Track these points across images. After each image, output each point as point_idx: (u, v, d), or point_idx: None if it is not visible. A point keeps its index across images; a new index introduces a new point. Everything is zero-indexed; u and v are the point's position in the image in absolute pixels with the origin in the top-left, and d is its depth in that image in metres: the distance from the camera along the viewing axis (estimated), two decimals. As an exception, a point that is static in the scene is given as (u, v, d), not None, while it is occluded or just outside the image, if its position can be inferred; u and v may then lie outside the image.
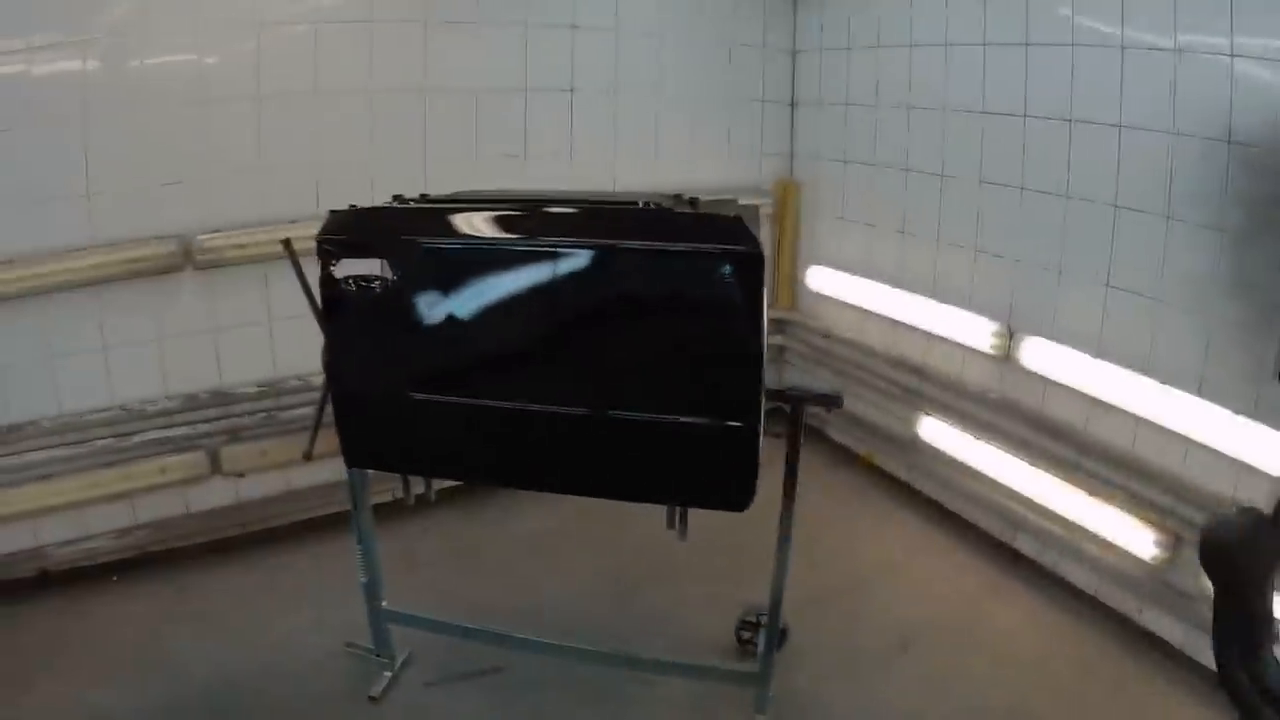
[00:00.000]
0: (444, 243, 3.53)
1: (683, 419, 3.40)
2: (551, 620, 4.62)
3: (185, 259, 5.03)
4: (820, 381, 6.57)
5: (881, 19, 5.88)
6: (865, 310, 6.35)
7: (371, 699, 4.25)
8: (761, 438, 3.39)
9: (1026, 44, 4.86)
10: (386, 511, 4.51)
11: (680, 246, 3.29)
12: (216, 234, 5.07)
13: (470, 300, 3.53)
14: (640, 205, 3.49)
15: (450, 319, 3.53)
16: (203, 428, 5.26)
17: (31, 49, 4.57)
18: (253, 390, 5.35)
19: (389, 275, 3.48)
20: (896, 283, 6.03)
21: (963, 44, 5.25)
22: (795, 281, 6.98)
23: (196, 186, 5.01)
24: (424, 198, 3.86)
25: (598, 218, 3.53)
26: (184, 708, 4.21)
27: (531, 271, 3.47)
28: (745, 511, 3.49)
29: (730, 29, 6.41)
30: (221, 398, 5.28)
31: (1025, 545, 5.26)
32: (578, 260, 3.40)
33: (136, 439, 5.08)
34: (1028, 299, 5.10)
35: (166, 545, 5.29)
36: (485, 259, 3.52)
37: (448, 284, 3.52)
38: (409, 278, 3.50)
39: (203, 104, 4.96)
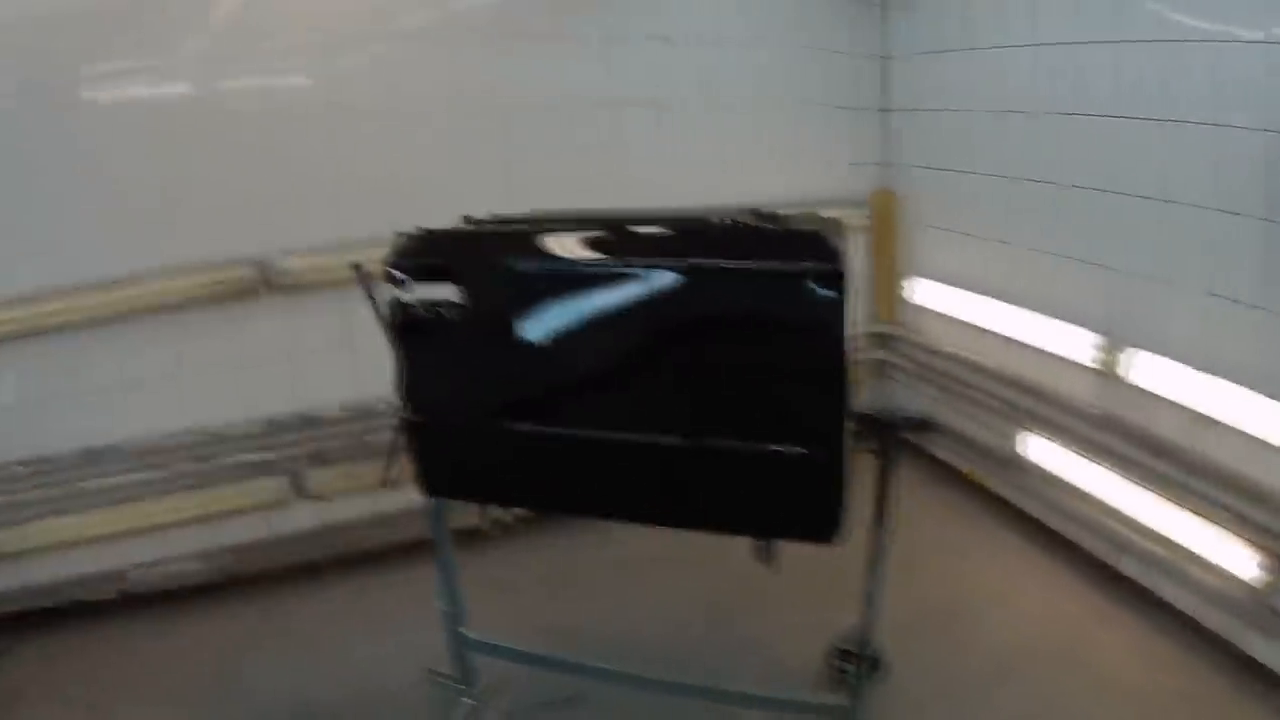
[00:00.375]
0: (516, 264, 3.44)
1: (765, 446, 3.24)
2: (639, 648, 4.54)
3: (263, 282, 5.05)
4: (922, 397, 6.44)
5: (974, 20, 5.66)
6: (967, 324, 6.14)
7: (451, 728, 4.20)
8: (848, 465, 3.22)
9: (1117, 41, 4.64)
10: (472, 536, 4.42)
11: (760, 264, 3.15)
12: (295, 256, 5.07)
13: (544, 324, 3.40)
14: (719, 222, 3.36)
15: (524, 344, 3.42)
16: (287, 451, 5.27)
17: (118, 73, 4.66)
18: (337, 413, 5.34)
19: (459, 299, 3.40)
20: (999, 295, 5.81)
21: (1054, 44, 5.03)
22: (897, 295, 6.76)
23: (274, 209, 5.01)
24: (495, 218, 3.76)
25: (672, 236, 3.40)
26: (263, 732, 4.22)
27: (608, 292, 3.34)
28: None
29: (819, 36, 6.25)
30: (305, 421, 5.30)
31: (1129, 567, 5.01)
32: (653, 280, 3.26)
33: (219, 462, 5.12)
34: (1130, 309, 4.86)
35: (251, 568, 5.30)
36: (558, 280, 3.41)
37: (520, 307, 3.40)
38: (479, 301, 3.41)
39: (281, 126, 4.98)
